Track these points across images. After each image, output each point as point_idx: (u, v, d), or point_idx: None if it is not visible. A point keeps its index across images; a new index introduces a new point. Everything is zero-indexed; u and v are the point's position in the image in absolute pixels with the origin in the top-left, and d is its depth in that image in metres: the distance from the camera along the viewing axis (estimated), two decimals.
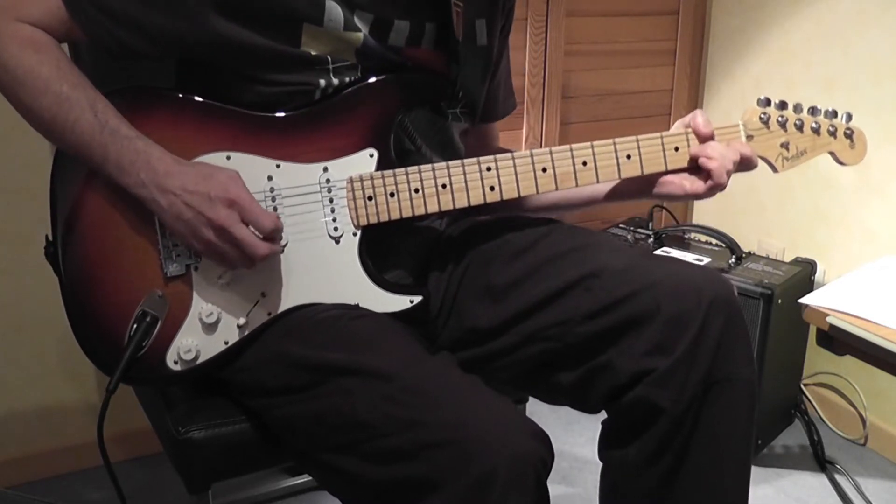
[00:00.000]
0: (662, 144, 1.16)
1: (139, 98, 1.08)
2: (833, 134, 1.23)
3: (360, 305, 1.11)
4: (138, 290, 1.07)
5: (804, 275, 2.04)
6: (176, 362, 1.08)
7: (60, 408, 1.89)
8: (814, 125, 1.22)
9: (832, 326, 1.31)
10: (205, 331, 1.09)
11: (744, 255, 2.09)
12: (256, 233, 1.03)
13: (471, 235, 1.24)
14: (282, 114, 1.10)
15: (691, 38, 2.43)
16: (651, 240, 2.19)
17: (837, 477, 1.98)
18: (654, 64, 2.42)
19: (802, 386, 2.22)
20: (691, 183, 1.16)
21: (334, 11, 1.09)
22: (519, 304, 1.12)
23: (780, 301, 1.91)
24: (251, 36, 1.07)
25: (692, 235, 2.23)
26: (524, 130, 2.26)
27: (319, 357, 1.01)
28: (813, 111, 1.22)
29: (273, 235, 1.04)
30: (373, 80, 1.11)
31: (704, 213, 2.56)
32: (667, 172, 1.17)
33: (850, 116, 1.24)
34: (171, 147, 1.04)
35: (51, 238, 1.09)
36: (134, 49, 1.08)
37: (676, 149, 1.16)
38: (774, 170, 1.22)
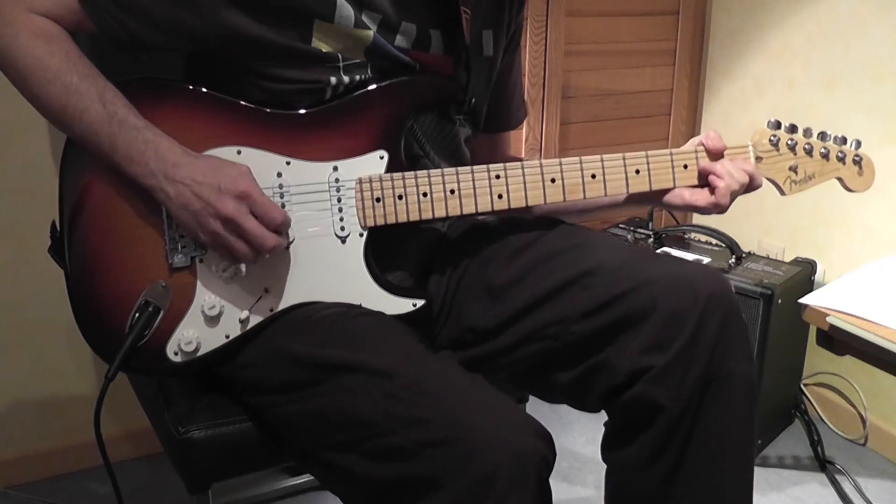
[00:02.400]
0: (672, 161, 1.17)
1: (150, 89, 1.08)
2: (842, 160, 1.24)
3: (363, 306, 1.11)
4: (142, 279, 1.07)
5: (804, 275, 2.04)
6: (176, 353, 1.08)
7: (61, 407, 1.89)
8: (823, 150, 1.23)
9: (832, 326, 1.31)
10: (206, 323, 1.09)
11: (744, 255, 2.09)
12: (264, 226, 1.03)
13: (470, 235, 1.24)
14: (294, 111, 1.10)
15: (691, 38, 2.43)
16: (651, 240, 2.19)
17: (837, 477, 1.98)
18: (654, 64, 2.42)
19: (802, 386, 2.22)
20: (691, 194, 1.17)
21: (345, 9, 1.09)
22: (517, 304, 1.13)
23: (780, 301, 1.91)
24: (263, 30, 1.07)
25: (692, 235, 2.23)
26: (524, 130, 2.26)
27: (321, 355, 1.01)
28: (823, 136, 1.23)
29: (281, 229, 1.04)
30: (387, 81, 1.12)
31: None
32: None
33: (859, 143, 1.25)
34: (181, 139, 1.04)
35: (58, 227, 1.09)
36: (144, 40, 1.08)
37: (686, 166, 1.17)
38: (782, 192, 1.23)
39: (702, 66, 2.49)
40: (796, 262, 2.09)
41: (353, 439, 0.95)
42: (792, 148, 1.21)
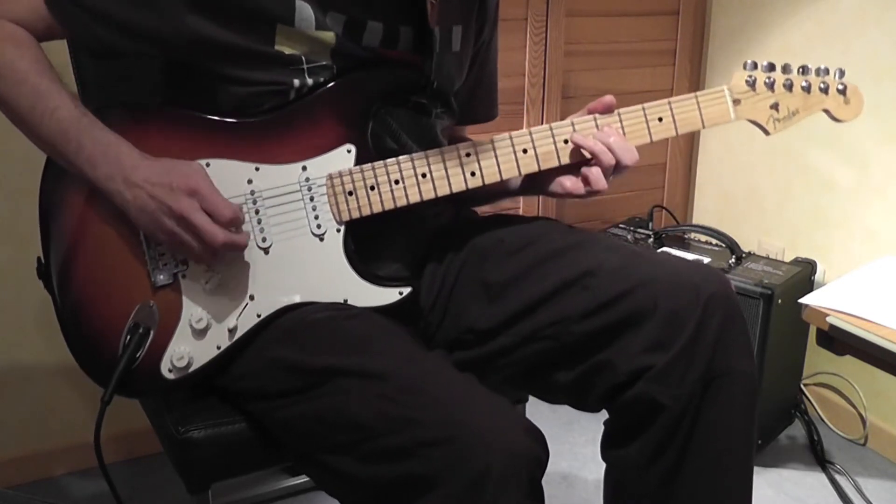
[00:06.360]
0: (645, 116, 1.15)
1: (113, 115, 1.09)
2: (825, 91, 1.20)
3: (349, 301, 1.11)
4: (129, 302, 1.09)
5: (804, 275, 2.04)
6: (170, 370, 1.09)
7: (61, 408, 1.89)
8: (804, 84, 1.19)
9: (832, 326, 1.31)
10: (196, 337, 1.09)
11: (744, 255, 2.09)
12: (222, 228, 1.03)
13: (467, 233, 1.24)
14: (257, 117, 1.11)
15: (691, 38, 2.43)
16: (651, 240, 2.19)
17: (837, 477, 1.98)
18: (654, 64, 2.42)
19: (802, 386, 2.22)
20: (572, 183, 1.16)
21: (305, 11, 1.09)
22: (516, 304, 1.12)
23: (780, 301, 1.91)
24: (225, 35, 1.07)
25: (692, 235, 2.23)
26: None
27: (314, 361, 1.02)
28: (803, 70, 1.19)
29: (233, 224, 1.05)
30: (344, 76, 1.12)
31: (704, 213, 2.56)
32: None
33: (842, 72, 1.21)
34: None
35: (42, 259, 1.11)
36: (111, 45, 1.09)
37: (661, 119, 1.15)
38: (766, 132, 1.20)
39: (702, 66, 2.48)
40: (796, 262, 2.08)
41: (349, 442, 0.96)
42: (770, 86, 1.18)
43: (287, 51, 1.10)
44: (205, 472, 1.14)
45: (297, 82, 1.11)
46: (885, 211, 2.02)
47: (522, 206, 2.31)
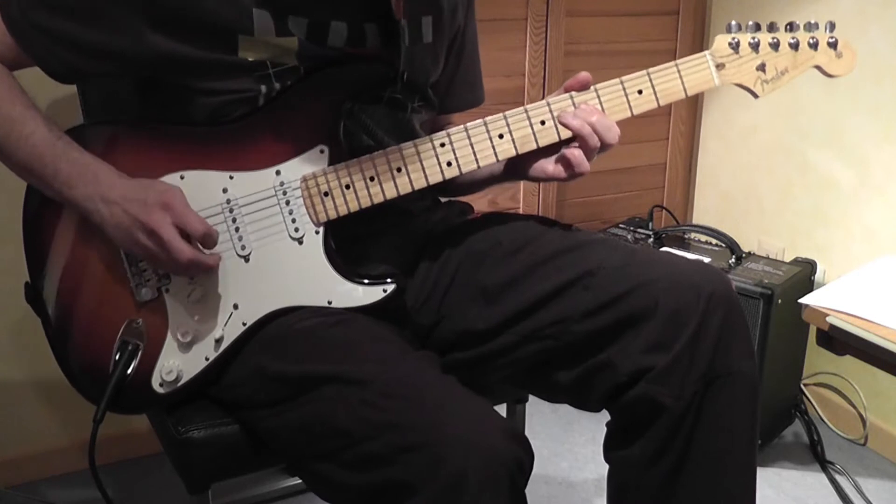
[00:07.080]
0: (624, 90, 1.14)
1: (87, 135, 1.10)
2: (814, 46, 1.15)
3: (333, 303, 1.11)
4: (117, 320, 1.09)
5: (804, 275, 2.04)
6: (161, 385, 1.10)
7: (61, 408, 1.89)
8: (791, 41, 1.14)
9: (832, 326, 1.31)
10: (183, 350, 1.09)
11: (744, 255, 2.09)
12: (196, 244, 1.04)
13: (462, 234, 1.23)
14: (228, 125, 1.10)
15: (691, 38, 2.43)
16: (651, 240, 2.19)
17: (837, 477, 1.98)
18: (654, 64, 2.41)
19: (802, 386, 2.22)
20: (554, 168, 1.14)
21: (263, 19, 1.08)
22: (515, 305, 1.12)
23: (780, 301, 1.91)
24: (188, 49, 1.07)
25: (692, 235, 2.23)
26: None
27: (299, 370, 1.02)
28: (790, 27, 1.14)
29: (205, 240, 1.05)
30: (311, 76, 1.11)
31: (704, 213, 2.56)
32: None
33: (832, 26, 1.16)
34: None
35: (30, 282, 1.13)
36: (77, 68, 1.10)
37: (640, 92, 1.15)
38: (755, 95, 1.16)
39: None
40: (796, 262, 2.08)
41: (333, 448, 0.96)
42: (755, 47, 1.13)
43: (251, 58, 1.09)
44: (205, 472, 1.14)
45: (264, 88, 1.10)
46: (884, 210, 2.02)
47: (522, 206, 2.31)
